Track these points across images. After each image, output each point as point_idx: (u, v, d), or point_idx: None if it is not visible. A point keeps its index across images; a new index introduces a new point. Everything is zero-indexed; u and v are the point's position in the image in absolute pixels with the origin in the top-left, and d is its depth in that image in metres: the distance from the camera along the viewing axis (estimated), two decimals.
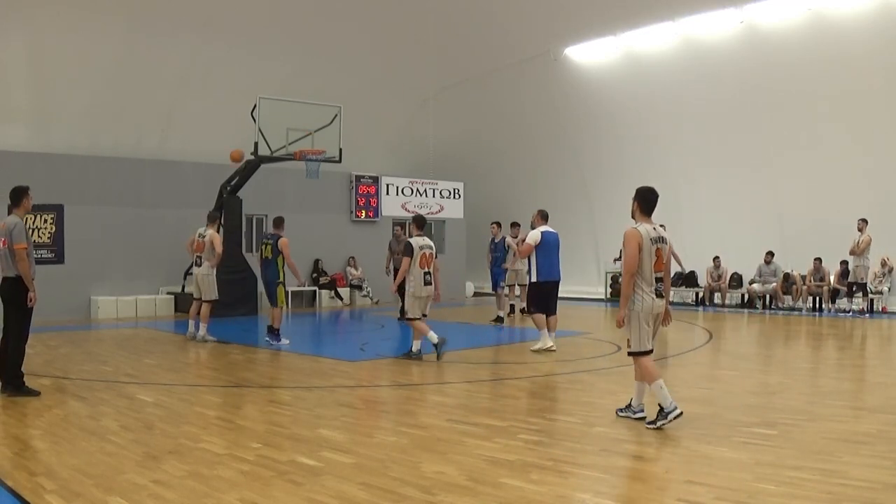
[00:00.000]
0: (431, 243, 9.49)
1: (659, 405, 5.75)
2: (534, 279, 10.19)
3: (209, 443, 5.35)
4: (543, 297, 10.21)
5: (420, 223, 9.66)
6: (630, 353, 5.92)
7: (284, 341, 10.84)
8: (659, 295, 5.82)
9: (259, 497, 4.16)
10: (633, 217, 6.03)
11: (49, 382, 7.77)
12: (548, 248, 10.14)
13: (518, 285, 14.98)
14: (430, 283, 9.31)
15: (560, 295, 19.05)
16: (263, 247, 11.26)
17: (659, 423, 5.69)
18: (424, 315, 9.43)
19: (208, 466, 4.73)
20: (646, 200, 5.97)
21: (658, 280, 5.83)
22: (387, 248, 15.02)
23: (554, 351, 10.04)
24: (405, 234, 14.62)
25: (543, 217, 10.55)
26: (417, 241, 9.29)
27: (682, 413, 5.70)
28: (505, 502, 4.07)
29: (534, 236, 10.14)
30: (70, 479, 4.48)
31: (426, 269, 9.21)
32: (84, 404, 6.73)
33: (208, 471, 4.64)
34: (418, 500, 4.11)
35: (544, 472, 4.62)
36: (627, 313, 5.79)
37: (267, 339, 10.96)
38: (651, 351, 5.86)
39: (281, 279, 10.88)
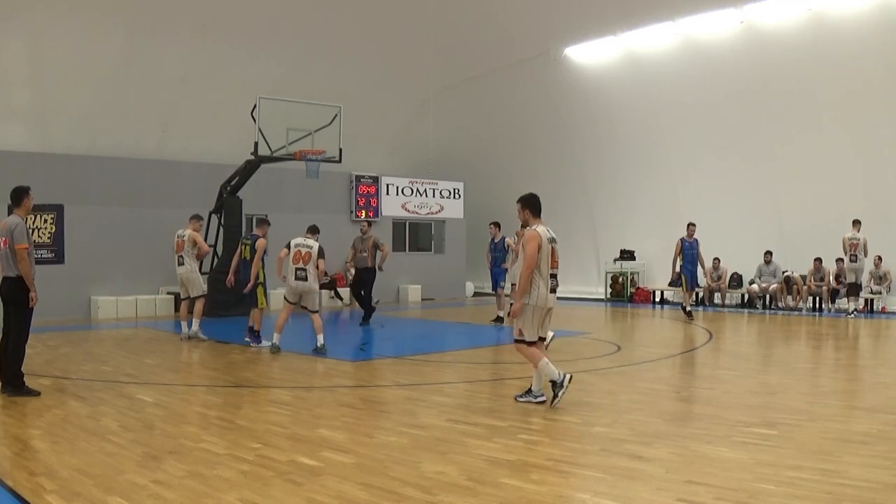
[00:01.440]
0: (311, 244, 10.09)
1: (551, 381, 6.33)
2: None
3: (209, 443, 5.35)
4: None
5: (314, 230, 10.43)
6: (517, 341, 6.47)
7: (265, 343, 10.62)
8: (552, 290, 6.29)
9: (259, 497, 4.16)
10: (527, 223, 6.53)
11: (49, 382, 7.76)
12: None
13: None
14: (302, 279, 9.96)
15: (560, 295, 18.91)
16: (243, 247, 11.23)
17: (560, 395, 6.28)
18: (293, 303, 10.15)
19: (208, 466, 4.73)
20: (533, 205, 6.60)
21: (552, 277, 6.39)
22: (350, 246, 14.56)
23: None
24: (371, 230, 14.46)
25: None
26: (297, 239, 10.13)
27: (572, 377, 6.37)
28: (505, 502, 4.07)
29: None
30: (70, 479, 4.48)
31: (298, 265, 9.96)
32: (84, 404, 6.73)
33: (208, 471, 4.64)
34: (418, 500, 4.11)
35: (544, 472, 4.62)
36: (522, 306, 6.31)
37: (247, 339, 10.84)
38: (539, 340, 6.45)
39: (261, 280, 10.78)
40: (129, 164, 16.82)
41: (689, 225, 14.96)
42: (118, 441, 5.39)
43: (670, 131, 18.27)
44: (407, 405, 6.72)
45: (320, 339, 9.97)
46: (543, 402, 6.48)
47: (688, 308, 14.93)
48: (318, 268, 10.04)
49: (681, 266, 14.62)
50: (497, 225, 14.80)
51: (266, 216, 12.34)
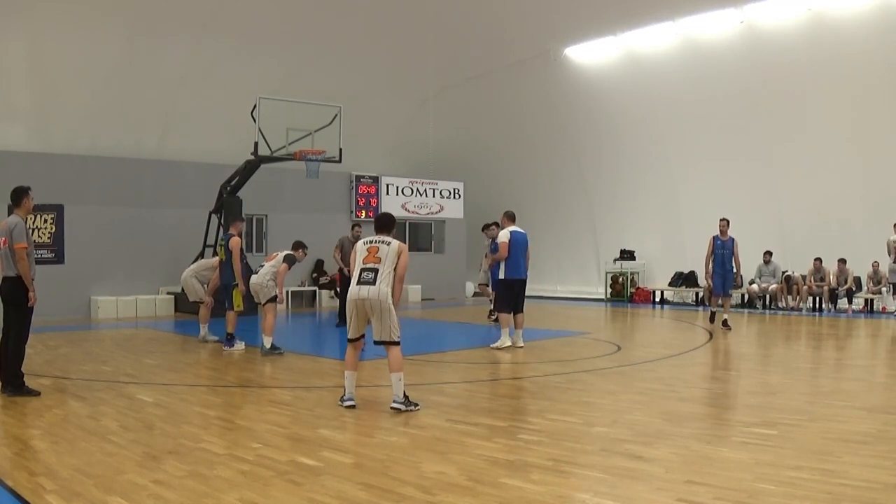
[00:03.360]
0: (284, 252, 10.46)
1: (344, 396, 6.59)
2: (500, 277, 10.40)
3: (209, 443, 5.35)
4: (511, 296, 10.36)
5: (295, 245, 10.63)
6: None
7: (239, 346, 10.40)
8: (362, 282, 6.40)
9: (259, 497, 4.15)
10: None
11: (49, 382, 7.77)
12: (514, 248, 10.44)
13: None
14: (255, 273, 10.36)
15: (560, 295, 19.15)
16: (220, 248, 11.02)
17: (340, 403, 6.54)
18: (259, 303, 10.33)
19: (208, 466, 4.73)
20: (375, 222, 6.94)
21: (364, 271, 6.44)
22: (336, 247, 14.23)
23: (521, 347, 10.33)
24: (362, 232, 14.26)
25: (510, 218, 10.91)
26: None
27: (352, 406, 6.47)
28: (505, 502, 4.07)
29: (504, 236, 10.43)
30: (70, 479, 4.48)
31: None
32: (84, 404, 6.73)
33: (208, 471, 4.64)
34: (418, 500, 4.11)
35: (544, 472, 4.62)
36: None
37: (220, 340, 10.68)
38: (350, 340, 6.60)
39: (237, 281, 10.47)
40: (129, 164, 16.84)
41: (720, 221, 13.04)
42: (118, 441, 5.38)
43: (670, 131, 18.27)
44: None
45: (264, 341, 9.92)
46: (418, 408, 6.42)
47: (718, 314, 12.96)
48: (278, 270, 10.10)
49: (711, 269, 12.82)
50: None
51: (239, 215, 12.19)
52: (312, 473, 4.60)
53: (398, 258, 6.48)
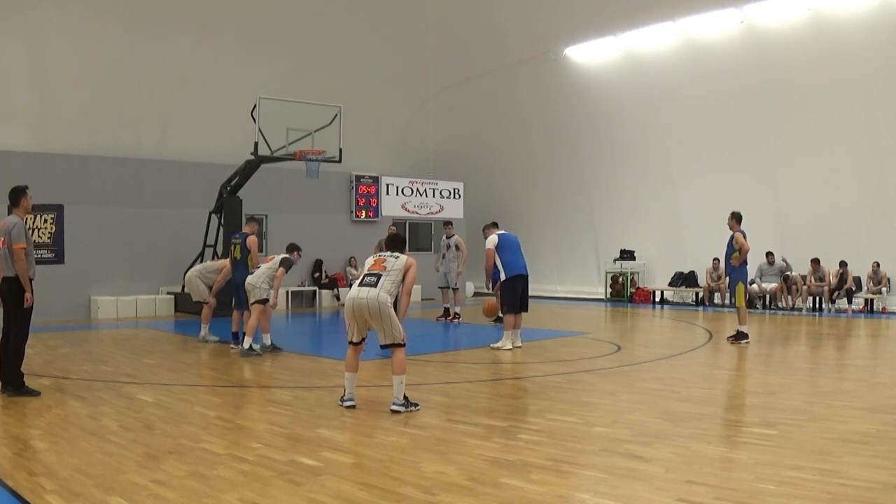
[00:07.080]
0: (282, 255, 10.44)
1: (343, 397, 6.63)
2: (502, 277, 10.48)
3: (209, 443, 5.35)
4: (515, 294, 10.42)
5: (289, 248, 10.68)
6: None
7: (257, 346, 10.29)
8: (363, 285, 6.45)
9: (259, 497, 4.15)
10: None
11: (49, 382, 7.77)
12: (508, 247, 10.58)
13: None
14: (251, 274, 10.31)
15: (560, 295, 19.11)
16: (232, 247, 10.88)
17: (340, 403, 6.58)
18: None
19: (208, 466, 4.73)
20: (387, 242, 7.17)
21: (366, 275, 6.54)
22: (375, 246, 14.20)
23: (519, 347, 10.36)
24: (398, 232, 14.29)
25: (493, 225, 11.27)
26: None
27: (351, 406, 6.47)
28: (505, 502, 4.07)
29: (491, 240, 10.64)
30: (70, 479, 4.48)
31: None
32: (84, 404, 6.73)
33: (208, 471, 4.64)
34: (418, 500, 4.11)
35: (544, 472, 4.62)
36: None
37: (255, 348, 10.65)
38: (351, 343, 6.56)
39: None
40: (129, 164, 16.83)
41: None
42: (118, 441, 5.38)
43: (670, 131, 18.27)
44: None
45: (244, 341, 9.86)
46: (418, 408, 6.40)
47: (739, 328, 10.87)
48: (276, 274, 10.04)
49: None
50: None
51: (253, 216, 12.20)
52: (312, 473, 4.60)
53: (405, 272, 6.57)
